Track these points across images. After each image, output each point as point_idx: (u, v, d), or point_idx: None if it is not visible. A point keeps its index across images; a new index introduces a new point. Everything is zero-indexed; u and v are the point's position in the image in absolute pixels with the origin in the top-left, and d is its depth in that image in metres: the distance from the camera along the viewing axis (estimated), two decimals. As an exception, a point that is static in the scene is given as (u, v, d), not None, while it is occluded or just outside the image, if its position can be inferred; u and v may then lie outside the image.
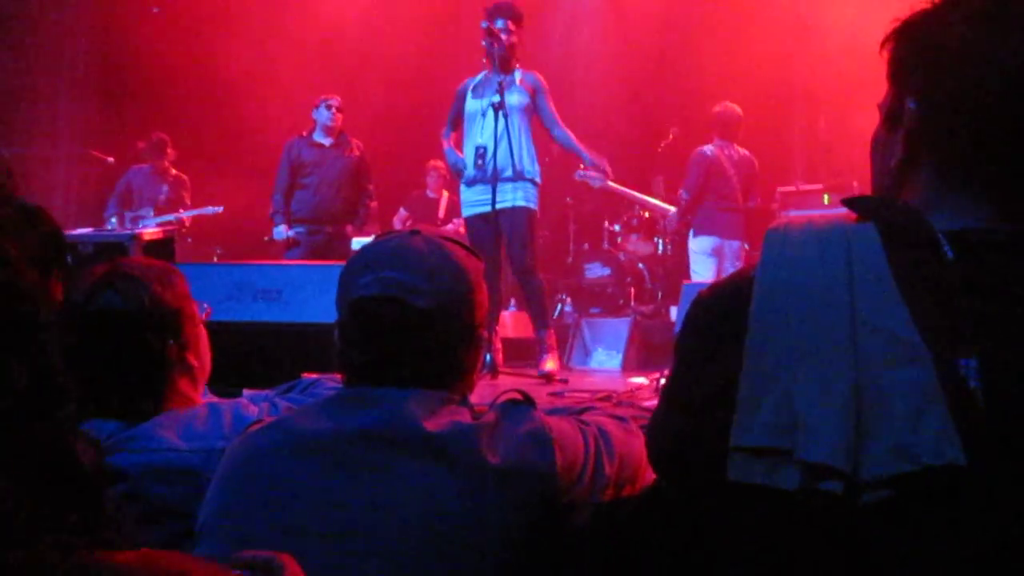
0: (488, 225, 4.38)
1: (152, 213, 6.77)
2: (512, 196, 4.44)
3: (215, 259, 7.64)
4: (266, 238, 6.14)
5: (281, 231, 5.89)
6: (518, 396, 1.30)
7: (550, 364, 4.31)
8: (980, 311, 0.85)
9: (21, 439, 0.48)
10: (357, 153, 6.02)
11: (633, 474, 1.34)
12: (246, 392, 1.98)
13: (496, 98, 4.24)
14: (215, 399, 1.90)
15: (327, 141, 5.96)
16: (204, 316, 1.73)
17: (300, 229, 5.87)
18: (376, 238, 1.35)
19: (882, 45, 1.03)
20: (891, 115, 1.03)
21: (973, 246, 0.89)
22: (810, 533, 0.84)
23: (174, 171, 7.12)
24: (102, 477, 1.36)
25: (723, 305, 0.98)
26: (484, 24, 4.33)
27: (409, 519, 1.13)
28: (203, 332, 1.71)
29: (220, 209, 6.81)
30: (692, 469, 1.00)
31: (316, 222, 5.86)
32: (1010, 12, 0.92)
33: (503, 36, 4.41)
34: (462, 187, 4.68)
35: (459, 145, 4.72)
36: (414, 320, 1.23)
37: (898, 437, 0.79)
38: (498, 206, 4.38)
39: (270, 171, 6.07)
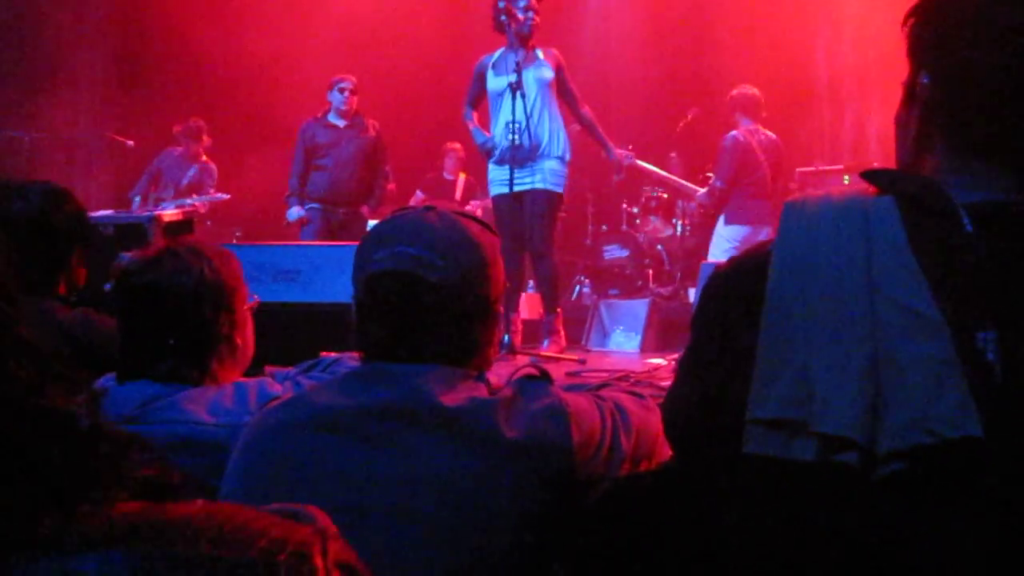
0: (511, 205, 4.37)
1: (172, 195, 6.81)
2: (538, 177, 4.41)
3: (234, 240, 7.68)
4: (285, 223, 6.11)
5: (294, 212, 5.87)
6: (535, 371, 1.31)
7: (551, 348, 4.35)
8: (999, 284, 0.84)
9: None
10: (373, 134, 5.94)
11: (650, 449, 1.35)
12: (268, 369, 2.01)
13: (513, 77, 4.21)
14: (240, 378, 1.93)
15: (341, 123, 5.91)
16: (252, 304, 1.76)
17: (314, 207, 5.81)
18: (391, 214, 1.35)
19: (903, 22, 1.03)
20: (909, 91, 1.02)
21: (992, 218, 0.89)
22: (826, 506, 0.85)
23: (204, 157, 7.15)
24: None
25: (741, 279, 0.98)
26: (501, 4, 4.29)
27: (425, 494, 1.14)
28: (249, 317, 1.75)
29: (227, 196, 6.83)
30: (708, 442, 1.00)
31: (331, 202, 5.81)
32: None
33: (522, 15, 4.37)
34: (490, 166, 4.62)
35: (484, 125, 4.69)
36: (428, 294, 1.23)
37: (916, 410, 0.80)
38: (521, 187, 4.36)
39: (291, 153, 6.06)
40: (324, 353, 2.04)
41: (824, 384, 0.83)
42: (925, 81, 0.98)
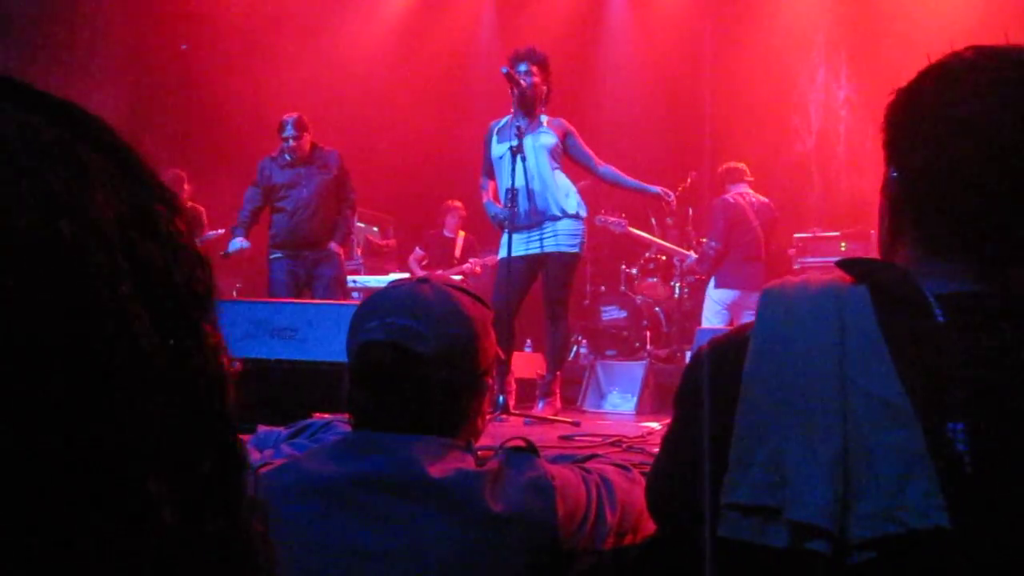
0: (508, 269, 4.37)
1: None
2: (551, 241, 4.42)
3: (234, 294, 7.72)
4: (222, 253, 5.84)
5: (236, 243, 5.65)
6: (522, 443, 1.32)
7: (546, 410, 4.36)
8: (970, 375, 0.87)
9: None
10: (334, 170, 5.67)
11: (635, 523, 1.36)
12: (260, 428, 2.01)
13: (514, 142, 4.27)
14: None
15: (297, 162, 5.65)
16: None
17: (277, 255, 5.61)
18: (388, 285, 1.38)
19: (883, 118, 1.06)
20: (883, 184, 1.06)
21: (964, 309, 0.91)
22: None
23: (190, 203, 7.23)
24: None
25: (720, 363, 1.00)
26: (504, 70, 4.37)
27: (411, 565, 1.15)
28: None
29: (221, 232, 6.85)
30: (686, 522, 1.01)
31: (293, 247, 5.60)
32: (980, 78, 0.95)
33: (524, 80, 4.44)
34: (503, 232, 4.61)
35: (496, 195, 4.67)
36: (416, 365, 1.26)
37: (885, 500, 0.81)
38: (536, 251, 4.38)
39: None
40: (316, 414, 2.04)
41: (795, 472, 0.85)
42: (893, 176, 1.02)
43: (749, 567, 0.89)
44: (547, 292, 4.48)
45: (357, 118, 8.03)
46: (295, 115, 5.61)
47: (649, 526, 1.37)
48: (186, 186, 7.19)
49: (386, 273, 6.95)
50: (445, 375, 1.28)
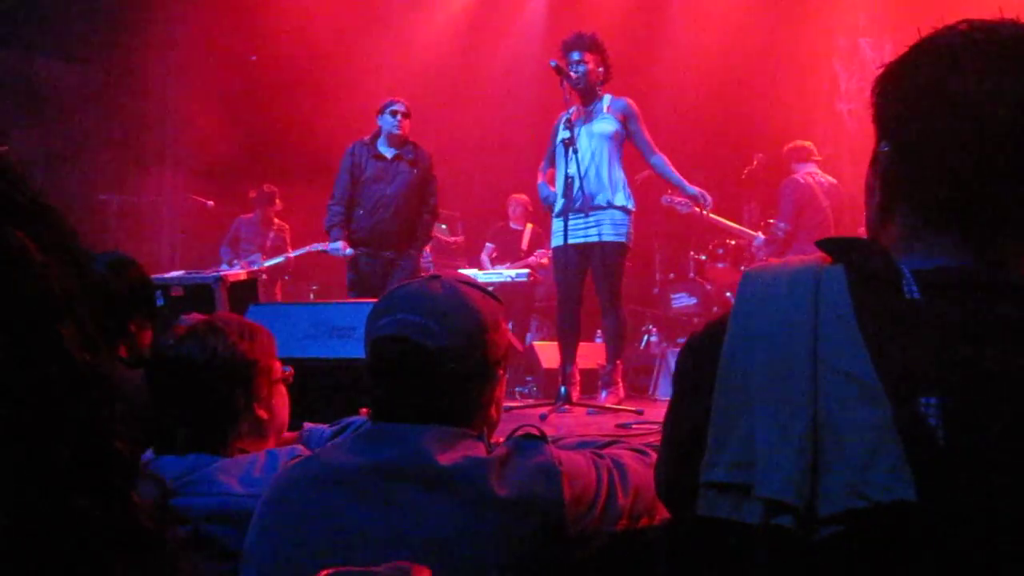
0: (569, 256, 4.41)
1: (261, 257, 7.14)
2: (598, 230, 4.45)
3: (311, 296, 7.94)
4: (319, 246, 5.71)
5: (338, 247, 5.41)
6: (533, 431, 1.36)
7: (609, 399, 4.36)
8: (944, 350, 0.86)
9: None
10: (422, 167, 5.49)
11: (651, 505, 1.38)
12: (306, 426, 2.10)
13: (566, 134, 4.29)
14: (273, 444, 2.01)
15: (390, 152, 5.46)
16: (286, 375, 1.83)
17: (360, 250, 5.41)
18: (399, 284, 1.44)
19: (872, 90, 1.06)
20: (872, 159, 1.06)
21: (942, 284, 0.91)
22: (775, 569, 0.87)
23: (277, 220, 7.50)
24: (163, 516, 1.46)
25: (703, 347, 1.02)
26: (553, 63, 4.38)
27: (419, 550, 1.19)
28: (281, 390, 1.81)
29: (323, 246, 7.06)
30: (682, 503, 1.04)
31: (375, 245, 5.41)
32: (975, 50, 0.94)
33: (574, 71, 4.45)
34: (553, 219, 4.69)
35: (554, 180, 4.75)
36: (425, 359, 1.31)
37: (851, 475, 0.82)
38: (582, 239, 4.41)
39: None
40: (363, 410, 2.12)
41: (766, 449, 0.86)
42: (885, 150, 1.02)
43: (729, 546, 0.91)
44: (597, 282, 4.52)
45: (421, 117, 8.13)
46: (402, 100, 5.48)
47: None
48: (277, 201, 7.45)
49: (455, 270, 7.04)
50: (454, 367, 1.32)
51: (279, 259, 7.07)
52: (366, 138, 5.54)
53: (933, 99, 0.96)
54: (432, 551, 1.19)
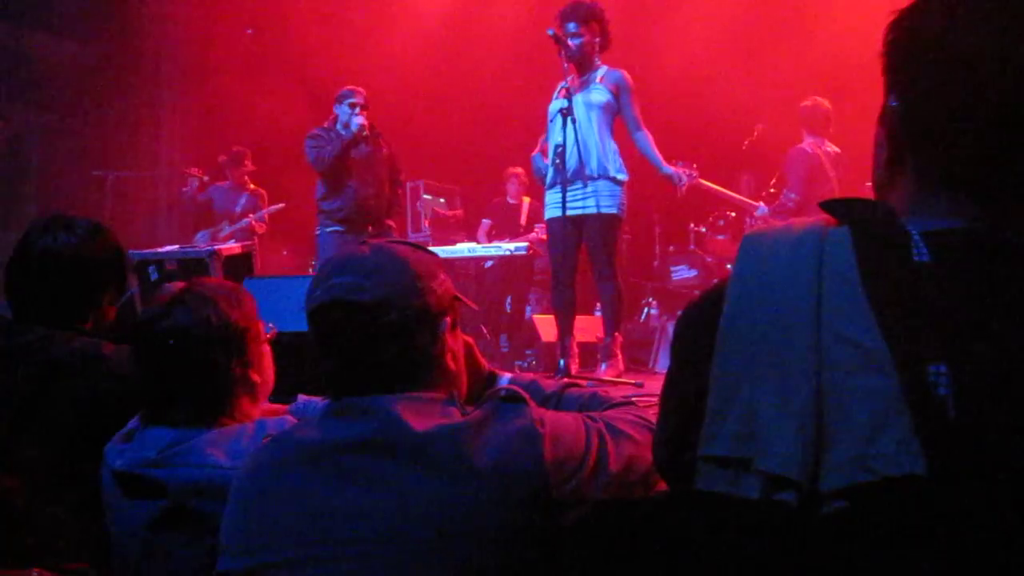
0: (563, 227, 4.37)
1: (227, 224, 7.04)
2: (592, 201, 4.40)
3: (310, 270, 7.88)
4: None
5: (356, 121, 5.39)
6: (513, 390, 1.31)
7: (609, 371, 4.32)
8: (953, 314, 0.82)
9: None
10: (387, 151, 5.61)
11: (645, 476, 1.34)
12: (301, 398, 2.05)
13: (564, 103, 4.23)
14: (270, 406, 1.98)
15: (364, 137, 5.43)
16: (269, 335, 1.81)
17: (337, 229, 5.46)
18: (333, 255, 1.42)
19: (883, 39, 1.01)
20: (881, 113, 1.01)
21: (953, 247, 0.87)
22: (773, 543, 0.83)
23: (252, 185, 7.37)
24: None
25: (700, 315, 0.98)
26: (551, 32, 4.31)
27: (397, 523, 1.16)
28: (267, 350, 1.79)
29: (282, 206, 7.05)
30: (680, 477, 1.00)
31: (359, 223, 5.47)
32: (988, 5, 0.89)
33: (571, 40, 4.39)
34: (546, 190, 4.65)
35: (545, 151, 4.68)
36: (361, 315, 1.29)
37: (857, 447, 0.78)
38: (576, 211, 4.36)
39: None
40: (302, 396, 2.07)
41: (766, 421, 0.82)
42: (894, 104, 0.97)
43: (726, 520, 0.87)
44: (590, 254, 4.47)
45: (420, 90, 8.06)
46: (360, 90, 5.50)
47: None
48: (247, 162, 7.33)
49: (453, 244, 6.98)
50: (392, 318, 1.30)
51: (243, 223, 6.87)
52: (326, 124, 5.54)
53: (944, 54, 0.91)
54: (412, 524, 1.16)
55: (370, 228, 5.52)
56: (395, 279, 1.32)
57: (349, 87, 5.55)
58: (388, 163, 5.63)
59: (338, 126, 5.48)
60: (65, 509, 1.45)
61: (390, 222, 5.69)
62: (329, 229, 5.51)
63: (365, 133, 5.34)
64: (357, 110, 5.42)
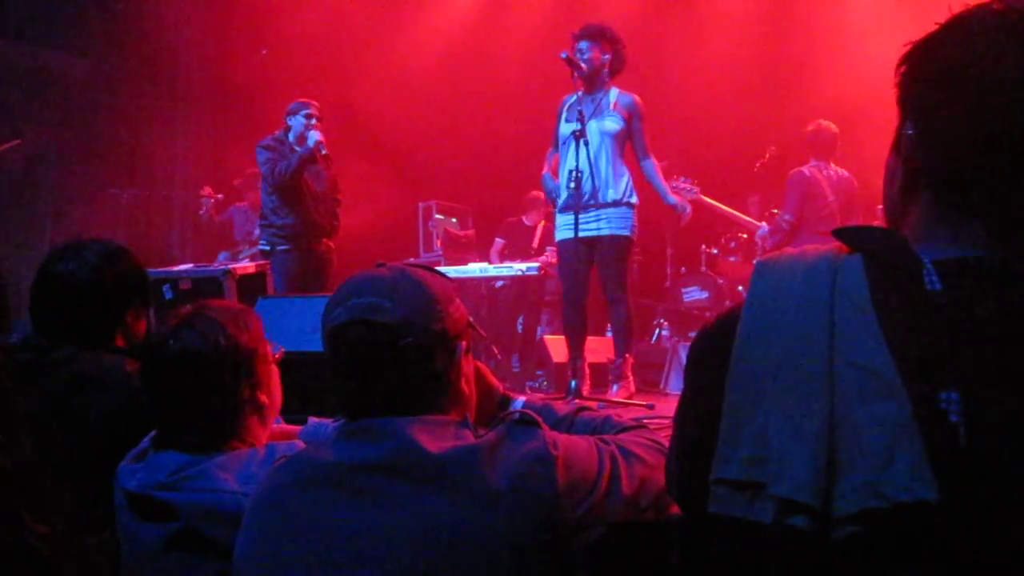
0: (575, 249, 4.39)
1: (247, 247, 7.07)
2: (605, 224, 4.43)
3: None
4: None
5: (311, 135, 5.22)
6: (527, 414, 1.32)
7: (620, 393, 4.33)
8: (964, 342, 0.83)
9: None
10: (332, 169, 5.50)
11: (657, 499, 1.34)
12: (311, 420, 2.07)
13: (577, 126, 4.26)
14: (284, 427, 1.99)
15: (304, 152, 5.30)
16: (277, 356, 1.82)
17: (284, 248, 5.29)
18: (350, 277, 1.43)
19: (895, 69, 1.02)
20: (895, 141, 1.02)
21: (963, 275, 0.87)
22: (785, 567, 0.84)
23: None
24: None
25: (714, 341, 0.98)
26: (563, 55, 4.35)
27: (412, 546, 1.17)
28: (275, 371, 1.79)
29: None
30: (693, 500, 1.00)
31: (311, 240, 5.35)
32: (1009, 33, 0.90)
33: (583, 59, 4.43)
34: (556, 212, 4.67)
35: (557, 171, 4.71)
36: (383, 335, 1.30)
37: (869, 473, 0.79)
38: (588, 233, 4.38)
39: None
40: (312, 418, 2.08)
41: (780, 446, 0.83)
42: (909, 132, 0.98)
43: (740, 544, 0.88)
44: (602, 275, 4.50)
45: (434, 110, 8.10)
46: (315, 103, 5.37)
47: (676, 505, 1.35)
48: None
49: (466, 263, 6.99)
50: (413, 340, 1.31)
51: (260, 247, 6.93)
52: (277, 133, 5.41)
53: (960, 83, 0.91)
54: (426, 546, 1.17)
55: (314, 247, 5.37)
56: (415, 301, 1.33)
57: (303, 99, 5.45)
58: (332, 182, 5.54)
59: (291, 137, 5.36)
60: (88, 542, 1.46)
61: (330, 242, 5.52)
62: (280, 248, 5.30)
63: (324, 150, 5.20)
64: (313, 121, 5.31)
